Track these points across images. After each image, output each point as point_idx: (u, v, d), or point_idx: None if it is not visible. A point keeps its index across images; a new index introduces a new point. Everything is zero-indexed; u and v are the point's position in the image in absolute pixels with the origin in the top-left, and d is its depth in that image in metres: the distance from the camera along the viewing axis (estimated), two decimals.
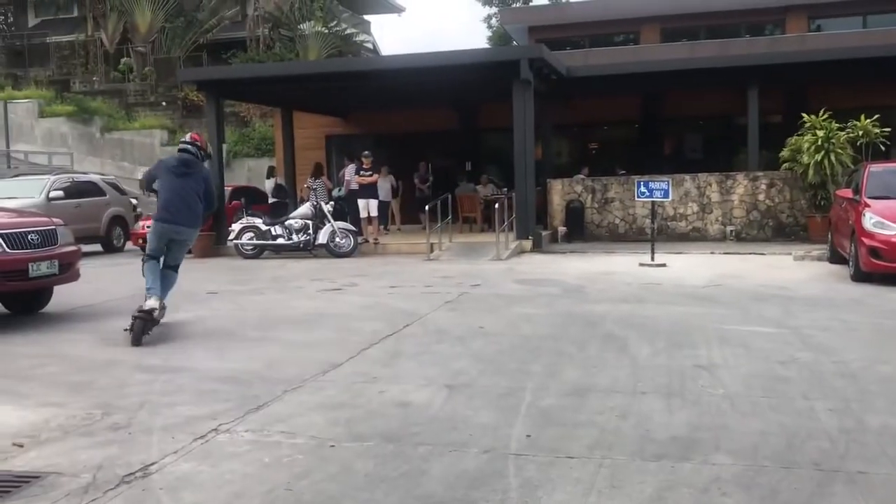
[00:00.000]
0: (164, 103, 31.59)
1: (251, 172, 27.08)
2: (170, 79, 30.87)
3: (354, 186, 16.92)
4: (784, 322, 7.60)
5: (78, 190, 17.83)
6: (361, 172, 16.57)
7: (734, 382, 5.46)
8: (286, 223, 15.69)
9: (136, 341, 7.15)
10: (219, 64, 30.58)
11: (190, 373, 6.14)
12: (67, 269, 8.90)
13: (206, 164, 8.44)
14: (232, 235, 15.97)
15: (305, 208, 15.90)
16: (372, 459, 4.14)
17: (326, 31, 32.21)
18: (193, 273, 13.70)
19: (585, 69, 19.18)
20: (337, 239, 15.38)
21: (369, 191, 16.49)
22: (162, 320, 7.62)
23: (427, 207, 15.00)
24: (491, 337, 7.22)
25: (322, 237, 15.34)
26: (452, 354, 6.56)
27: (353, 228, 15.87)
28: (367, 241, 16.29)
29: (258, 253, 15.81)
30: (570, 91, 18.65)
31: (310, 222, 15.49)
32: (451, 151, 21.95)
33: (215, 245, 16.82)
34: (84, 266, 9.75)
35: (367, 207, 16.43)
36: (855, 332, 7.09)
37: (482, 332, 7.48)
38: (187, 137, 8.22)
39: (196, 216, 8.00)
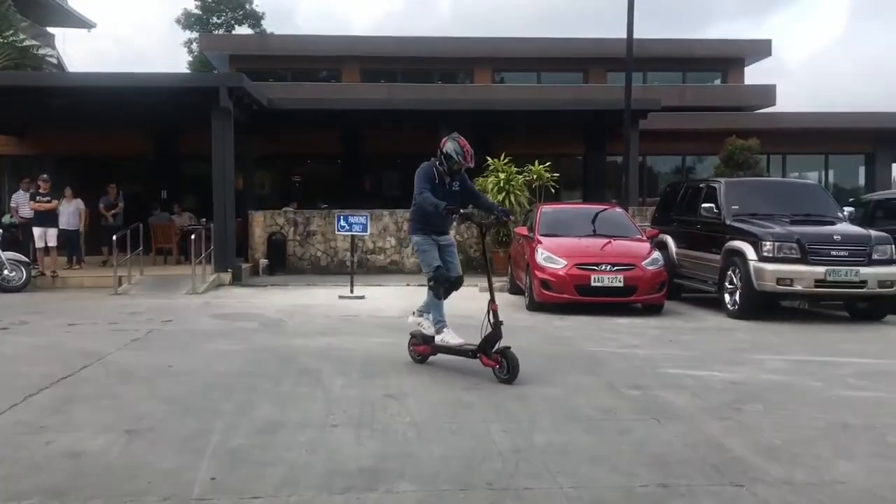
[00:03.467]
0: None
1: None
2: None
3: (28, 213, 15.29)
4: None
5: None
6: (39, 198, 15.04)
7: (421, 410, 5.70)
8: None
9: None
10: None
11: None
12: None
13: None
14: None
15: None
16: None
17: (2, 40, 28.93)
18: None
19: (288, 102, 19.27)
20: (5, 272, 13.75)
21: (48, 218, 15.00)
22: None
23: (115, 237, 13.95)
24: (181, 376, 6.86)
25: None
26: (136, 397, 6.12)
27: (26, 259, 14.29)
28: (43, 274, 14.76)
29: None
30: (272, 123, 18.58)
31: None
32: (146, 178, 20.73)
33: None
34: None
35: (45, 237, 14.92)
36: (528, 358, 7.73)
37: (171, 371, 7.08)
38: None
39: None
